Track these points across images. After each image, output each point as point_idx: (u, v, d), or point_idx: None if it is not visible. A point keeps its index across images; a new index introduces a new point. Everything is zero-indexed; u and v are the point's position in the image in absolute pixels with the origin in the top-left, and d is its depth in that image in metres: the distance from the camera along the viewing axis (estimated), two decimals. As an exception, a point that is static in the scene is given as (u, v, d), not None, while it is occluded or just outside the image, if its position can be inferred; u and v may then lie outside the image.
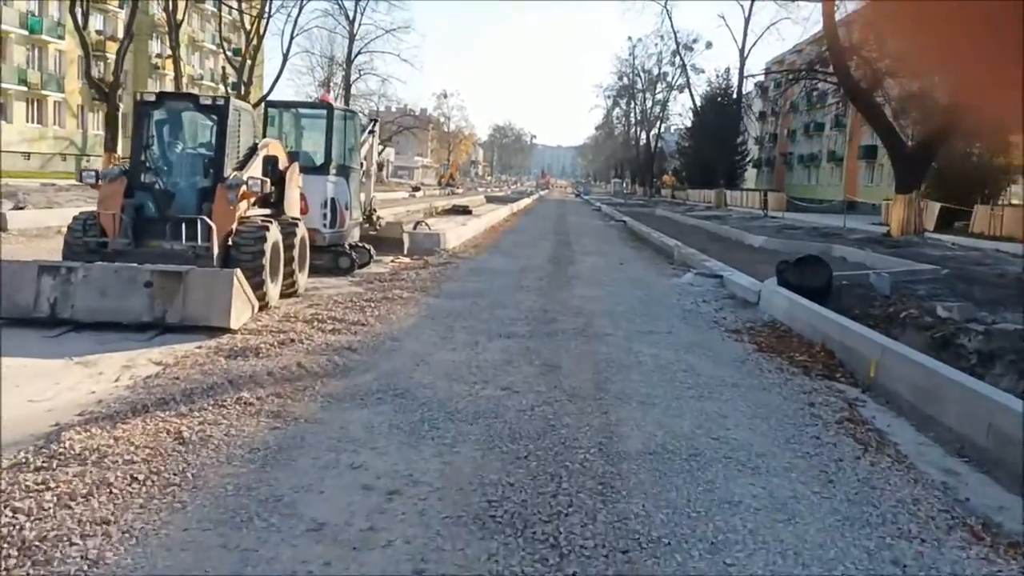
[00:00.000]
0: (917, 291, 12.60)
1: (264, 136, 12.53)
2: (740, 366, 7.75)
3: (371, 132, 15.35)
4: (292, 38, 55.06)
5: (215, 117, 9.30)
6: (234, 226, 8.99)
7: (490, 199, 57.60)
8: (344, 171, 13.31)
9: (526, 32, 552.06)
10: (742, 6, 57.89)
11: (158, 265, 7.92)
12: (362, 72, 72.64)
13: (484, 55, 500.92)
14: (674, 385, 6.77)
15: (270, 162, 9.79)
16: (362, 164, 14.58)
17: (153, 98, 9.36)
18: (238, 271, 8.01)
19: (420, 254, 16.14)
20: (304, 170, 12.12)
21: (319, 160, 12.97)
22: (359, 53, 72.33)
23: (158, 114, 9.45)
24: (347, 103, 76.10)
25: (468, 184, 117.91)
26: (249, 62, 53.63)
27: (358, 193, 14.11)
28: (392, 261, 15.08)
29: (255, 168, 9.54)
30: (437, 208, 36.36)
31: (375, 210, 15.72)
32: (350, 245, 13.71)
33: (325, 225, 12.79)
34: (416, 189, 71.91)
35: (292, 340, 7.48)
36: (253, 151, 9.89)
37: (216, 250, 8.59)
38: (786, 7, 65.30)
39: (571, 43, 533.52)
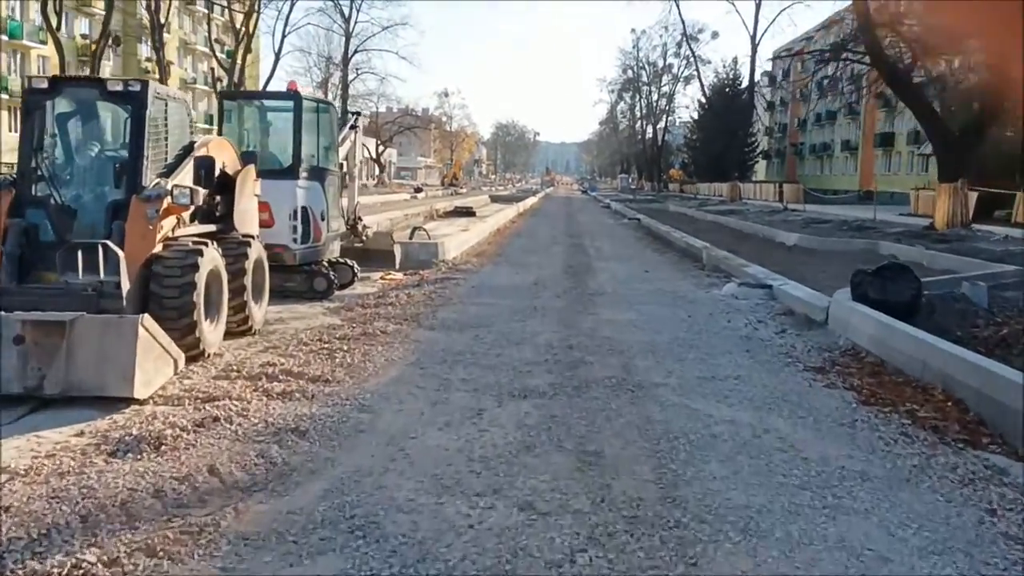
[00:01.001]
0: (1020, 303, 10.35)
1: (221, 134, 10.35)
2: (851, 435, 5.49)
3: (353, 128, 13.11)
4: (284, 36, 52.79)
5: (130, 107, 7.06)
6: (157, 250, 6.78)
7: (495, 199, 55.44)
8: (318, 174, 11.08)
9: (527, 27, 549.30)
10: (752, -9, 55.31)
11: (32, 313, 5.69)
12: (360, 71, 70.36)
13: (485, 52, 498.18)
14: (776, 482, 4.51)
15: (203, 165, 7.50)
16: (342, 165, 12.37)
17: (45, 84, 7.10)
18: (146, 317, 5.78)
19: (415, 268, 13.92)
20: (269, 174, 9.93)
21: (287, 161, 10.75)
22: (356, 52, 70.08)
23: (59, 106, 7.22)
24: (345, 104, 73.89)
25: (472, 183, 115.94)
26: (240, 62, 51.47)
27: (337, 200, 11.88)
28: (381, 278, 12.87)
29: (185, 174, 7.30)
30: (439, 210, 34.16)
31: (360, 218, 13.49)
32: (329, 262, 11.51)
33: (295, 240, 10.57)
34: (418, 190, 69.65)
35: (217, 418, 5.24)
36: (188, 152, 7.66)
37: (127, 285, 6.35)
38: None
39: (573, 37, 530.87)
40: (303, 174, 10.72)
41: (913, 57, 23.27)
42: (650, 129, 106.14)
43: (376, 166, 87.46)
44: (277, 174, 10.34)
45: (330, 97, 78.25)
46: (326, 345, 7.63)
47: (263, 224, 9.56)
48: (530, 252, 18.54)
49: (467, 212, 34.57)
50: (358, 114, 13.83)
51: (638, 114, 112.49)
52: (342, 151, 12.39)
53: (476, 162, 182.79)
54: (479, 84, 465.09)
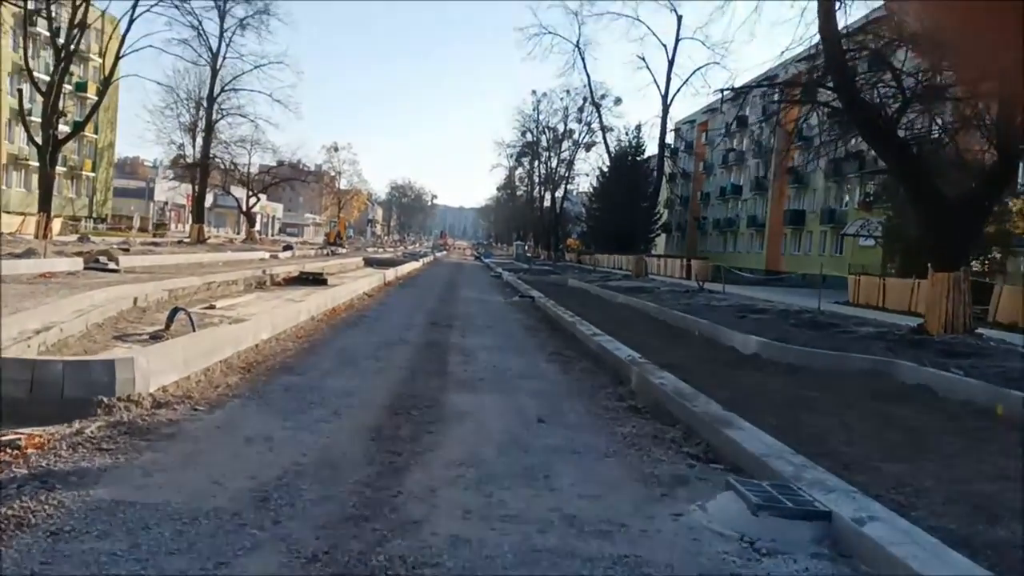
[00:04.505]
0: None
1: None
2: None
3: None
4: (118, 56, 43.93)
5: None
6: None
7: (369, 262, 47.88)
8: None
9: (429, 86, 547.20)
10: (664, 47, 50.58)
11: None
12: (226, 112, 61.98)
13: (381, 108, 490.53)
14: None
15: None
16: None
17: None
18: None
19: (55, 416, 6.35)
20: None
21: None
22: (223, 90, 61.85)
23: None
24: (207, 147, 65.28)
25: (361, 244, 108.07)
26: (58, 81, 42.59)
27: None
28: None
29: None
30: (276, 275, 26.35)
31: None
32: None
33: None
34: (287, 248, 61.11)
35: None
36: None
37: None
38: (716, 52, 58.73)
39: (475, 100, 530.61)
40: None
41: (903, 103, 17.32)
42: (548, 196, 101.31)
43: (245, 219, 78.64)
44: None
45: (197, 143, 68.82)
46: None
47: None
48: (350, 362, 11.09)
49: (315, 279, 26.90)
50: None
51: (536, 180, 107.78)
52: None
53: (370, 222, 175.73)
54: (374, 142, 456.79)
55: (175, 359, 8.19)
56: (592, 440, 7.46)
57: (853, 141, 25.06)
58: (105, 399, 6.85)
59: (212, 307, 16.29)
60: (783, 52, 18.44)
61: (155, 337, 11.81)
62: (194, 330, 11.54)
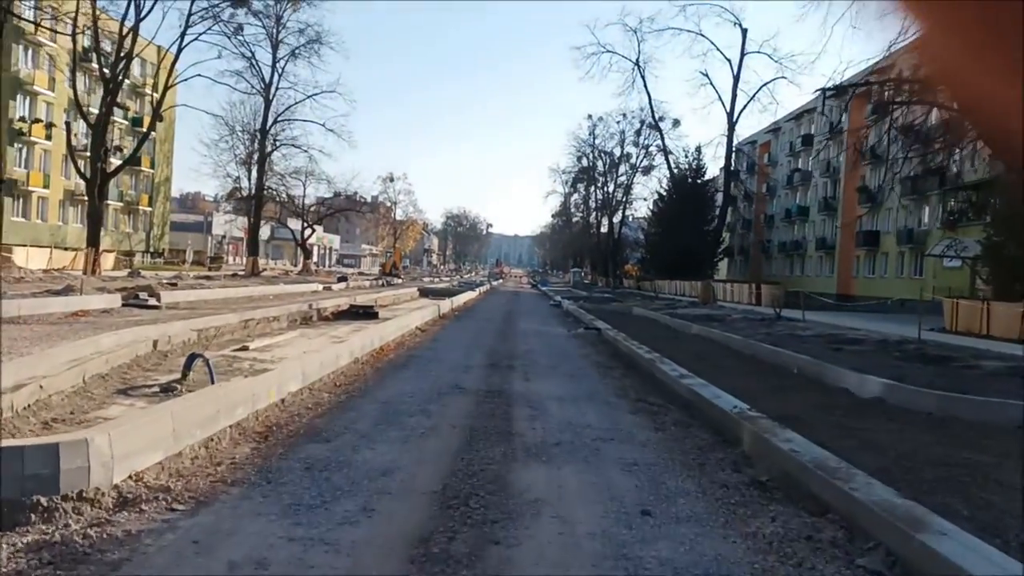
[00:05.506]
0: None
1: None
2: None
3: None
4: (166, 87, 43.17)
5: None
6: None
7: (424, 292, 46.11)
8: None
9: (480, 114, 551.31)
10: (729, 61, 48.18)
11: None
12: (279, 143, 61.27)
13: (435, 137, 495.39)
14: None
15: None
16: None
17: None
18: None
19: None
20: None
21: None
22: (276, 121, 61.19)
23: None
24: (261, 179, 64.73)
25: (418, 273, 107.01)
26: (107, 112, 41.86)
27: None
28: None
29: None
30: (324, 309, 24.62)
31: None
32: None
33: None
34: (342, 279, 59.89)
35: None
36: None
37: None
38: (785, 66, 55.93)
39: (528, 127, 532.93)
40: None
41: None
42: (605, 221, 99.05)
43: (301, 251, 78.00)
44: None
45: (253, 175, 68.25)
46: None
47: None
48: (394, 420, 9.05)
49: (365, 313, 25.10)
50: None
51: (593, 205, 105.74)
52: None
53: (426, 251, 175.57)
54: (429, 171, 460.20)
55: (159, 431, 6.23)
56: (725, 548, 5.24)
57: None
58: (44, 500, 4.90)
59: (245, 348, 14.51)
60: (889, 46, 16.02)
61: (167, 389, 10.03)
62: (212, 381, 9.73)
